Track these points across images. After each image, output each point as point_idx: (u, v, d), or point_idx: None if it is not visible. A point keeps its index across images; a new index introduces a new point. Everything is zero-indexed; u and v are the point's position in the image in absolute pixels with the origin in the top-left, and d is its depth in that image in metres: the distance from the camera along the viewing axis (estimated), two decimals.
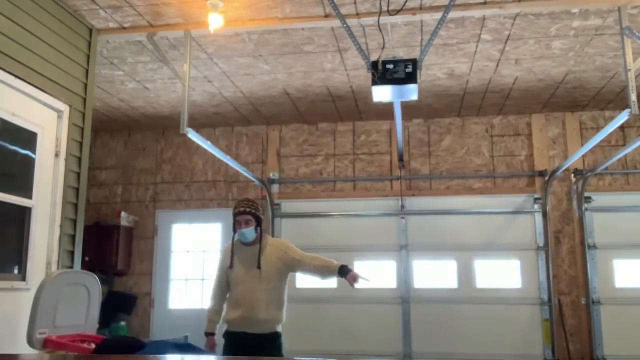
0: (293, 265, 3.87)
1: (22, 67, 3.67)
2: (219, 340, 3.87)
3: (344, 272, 3.74)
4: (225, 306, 3.91)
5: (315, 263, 3.85)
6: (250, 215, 3.82)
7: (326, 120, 7.02)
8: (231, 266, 3.85)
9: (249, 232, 3.83)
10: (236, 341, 3.75)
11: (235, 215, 3.86)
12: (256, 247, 3.85)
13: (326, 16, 4.30)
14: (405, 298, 6.52)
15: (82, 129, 4.31)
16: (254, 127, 7.22)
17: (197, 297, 7.01)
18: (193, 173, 7.24)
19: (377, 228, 6.75)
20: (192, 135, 4.60)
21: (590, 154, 6.52)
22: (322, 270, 3.84)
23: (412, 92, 3.96)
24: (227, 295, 3.91)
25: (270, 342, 3.74)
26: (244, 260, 3.84)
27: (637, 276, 6.25)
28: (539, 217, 6.49)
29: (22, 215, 3.75)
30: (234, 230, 3.89)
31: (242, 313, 3.72)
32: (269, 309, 3.74)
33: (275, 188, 6.98)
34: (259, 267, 3.77)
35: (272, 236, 6.81)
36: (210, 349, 3.84)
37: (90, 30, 4.44)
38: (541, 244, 6.43)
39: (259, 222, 3.88)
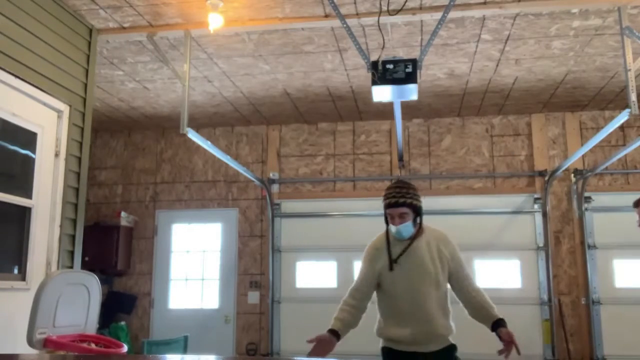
0: (456, 270, 3.09)
1: (22, 67, 3.67)
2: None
3: (498, 325, 3.06)
4: (381, 320, 3.16)
5: (476, 288, 3.14)
6: (407, 207, 2.92)
7: (326, 120, 7.02)
8: (391, 268, 2.99)
9: (406, 229, 2.95)
10: None
11: (385, 207, 2.99)
12: (419, 241, 3.00)
13: (326, 16, 4.30)
14: None
15: (82, 129, 4.31)
16: (254, 127, 7.22)
17: (197, 297, 7.01)
18: (193, 173, 7.24)
19: (377, 228, 6.67)
20: (192, 135, 4.60)
21: (590, 154, 6.52)
22: (478, 307, 3.13)
23: (412, 92, 3.97)
24: (383, 306, 3.15)
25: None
26: (404, 260, 2.99)
27: (637, 276, 6.25)
28: (539, 217, 6.48)
29: (22, 215, 3.75)
30: (387, 223, 3.06)
31: (412, 330, 2.99)
32: (444, 319, 3.09)
33: (275, 188, 6.98)
34: (426, 268, 2.97)
35: (272, 236, 6.83)
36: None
37: (90, 30, 4.44)
38: (541, 244, 6.42)
39: (418, 213, 2.99)
